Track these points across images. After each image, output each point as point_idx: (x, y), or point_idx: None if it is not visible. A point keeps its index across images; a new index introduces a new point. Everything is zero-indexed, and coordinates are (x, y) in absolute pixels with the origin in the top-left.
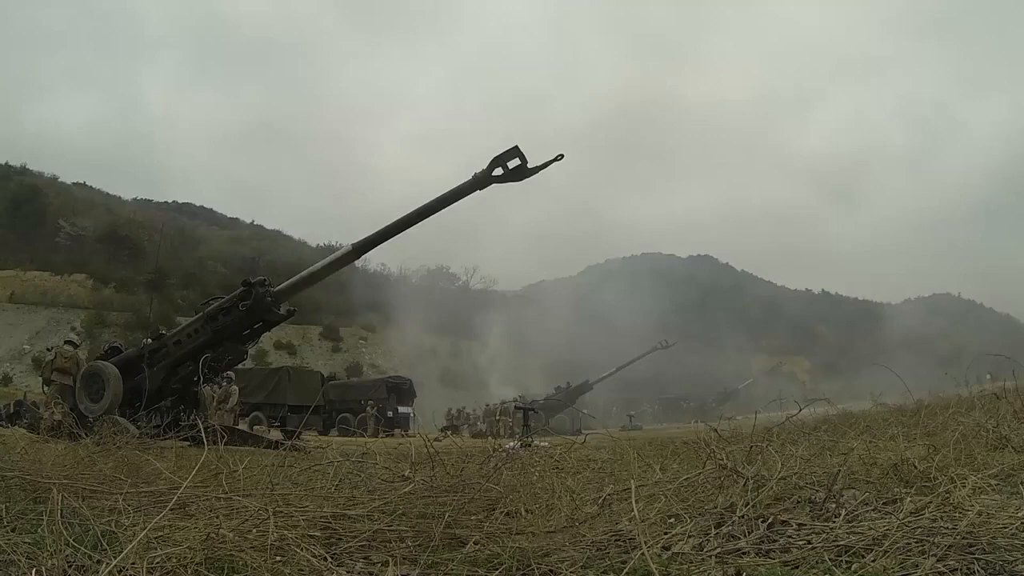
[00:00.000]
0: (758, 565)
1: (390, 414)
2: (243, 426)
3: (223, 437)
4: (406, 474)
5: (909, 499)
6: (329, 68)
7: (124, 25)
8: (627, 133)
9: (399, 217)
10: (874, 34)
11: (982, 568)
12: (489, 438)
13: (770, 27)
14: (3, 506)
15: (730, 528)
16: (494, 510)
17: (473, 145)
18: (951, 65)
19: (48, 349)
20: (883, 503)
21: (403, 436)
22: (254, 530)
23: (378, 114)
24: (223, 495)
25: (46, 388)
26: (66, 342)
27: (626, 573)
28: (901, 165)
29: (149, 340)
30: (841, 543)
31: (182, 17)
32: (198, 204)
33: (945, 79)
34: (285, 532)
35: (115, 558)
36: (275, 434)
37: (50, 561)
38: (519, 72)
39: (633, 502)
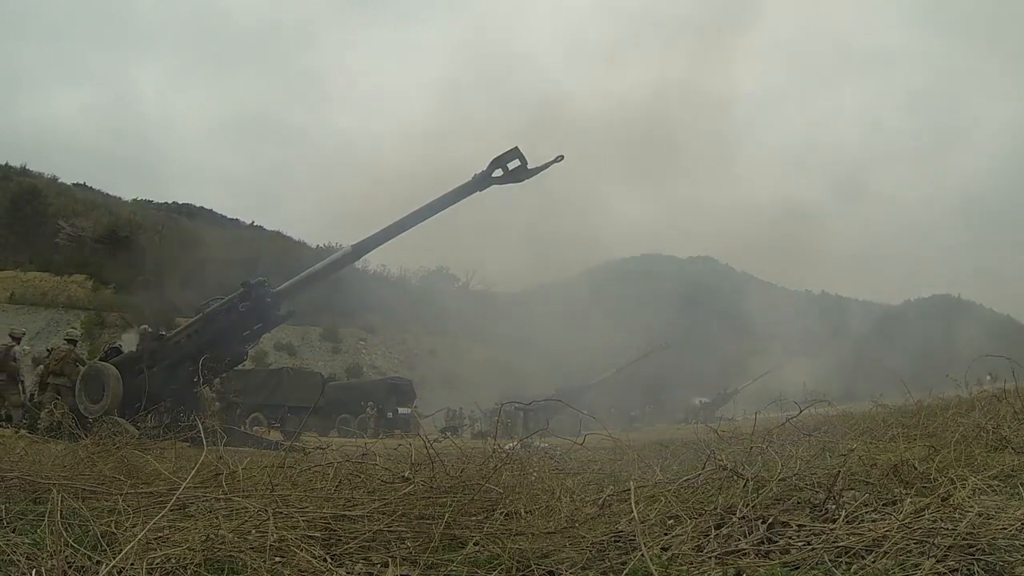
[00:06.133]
0: (758, 566)
1: (390, 415)
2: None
3: (223, 438)
4: (406, 475)
5: (909, 500)
6: (328, 61)
7: (117, 17)
8: (627, 132)
9: (399, 218)
10: (882, 27)
11: (982, 569)
12: (489, 439)
13: (774, 21)
14: (3, 506)
15: (730, 529)
16: (494, 511)
17: (474, 141)
18: (960, 61)
19: (48, 350)
20: (883, 504)
21: (403, 436)
22: (254, 531)
23: (379, 109)
24: (223, 496)
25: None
26: (66, 340)
27: (626, 574)
28: (904, 164)
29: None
30: (841, 544)
31: (176, 8)
32: (198, 204)
33: (954, 75)
34: (285, 533)
35: (114, 559)
36: (275, 435)
37: (50, 562)
38: (520, 68)
39: (632, 503)
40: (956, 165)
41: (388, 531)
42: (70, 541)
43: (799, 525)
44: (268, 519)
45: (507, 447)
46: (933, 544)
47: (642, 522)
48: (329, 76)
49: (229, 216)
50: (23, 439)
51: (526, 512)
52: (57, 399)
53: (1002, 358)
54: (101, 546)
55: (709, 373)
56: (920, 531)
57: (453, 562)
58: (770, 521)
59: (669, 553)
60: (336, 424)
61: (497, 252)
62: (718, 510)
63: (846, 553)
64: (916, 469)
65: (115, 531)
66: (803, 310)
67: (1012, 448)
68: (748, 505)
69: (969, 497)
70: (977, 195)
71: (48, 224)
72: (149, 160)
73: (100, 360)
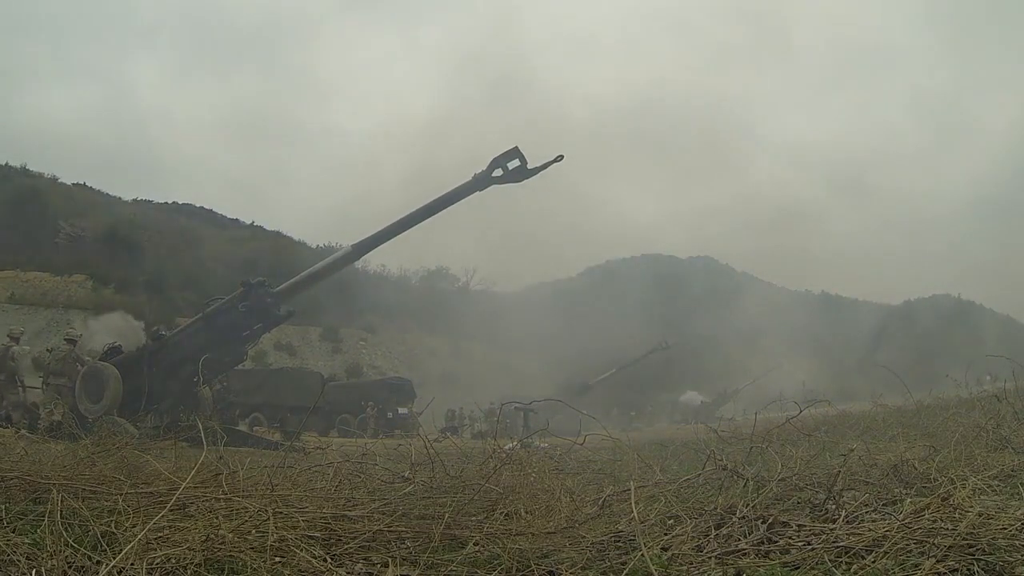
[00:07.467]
0: (758, 566)
1: (390, 415)
2: (242, 427)
3: (223, 438)
4: (406, 475)
5: (909, 500)
6: (329, 59)
7: (117, 15)
8: (628, 131)
9: (400, 217)
10: (885, 26)
11: (982, 569)
12: (489, 439)
13: (774, 19)
14: (3, 506)
15: (730, 529)
16: (494, 511)
17: (473, 139)
18: (964, 60)
19: (48, 350)
20: (883, 504)
21: (403, 436)
22: (254, 531)
23: (379, 108)
24: (223, 496)
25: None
26: (66, 340)
27: (626, 574)
28: (904, 163)
29: (149, 341)
30: (841, 544)
31: (175, 5)
32: (198, 204)
33: (956, 73)
34: (285, 533)
35: (114, 559)
36: (275, 435)
37: (50, 562)
38: (522, 67)
39: (632, 503)
40: (957, 165)
41: (388, 531)
42: (70, 541)
43: (799, 525)
44: (268, 519)
45: (507, 447)
46: (933, 544)
47: (642, 522)
48: (330, 74)
49: (229, 216)
50: (23, 439)
51: (526, 512)
52: (57, 399)
53: (1002, 358)
54: (101, 546)
55: (709, 373)
56: (920, 531)
57: (453, 562)
58: (770, 521)
59: (669, 553)
60: (336, 424)
61: (497, 252)
62: (718, 510)
63: (846, 553)
64: (916, 469)
65: (115, 531)
66: (803, 310)
67: (1012, 448)
68: (748, 505)
69: (969, 497)
70: (978, 195)
71: (48, 224)
72: (149, 160)
73: (100, 360)
